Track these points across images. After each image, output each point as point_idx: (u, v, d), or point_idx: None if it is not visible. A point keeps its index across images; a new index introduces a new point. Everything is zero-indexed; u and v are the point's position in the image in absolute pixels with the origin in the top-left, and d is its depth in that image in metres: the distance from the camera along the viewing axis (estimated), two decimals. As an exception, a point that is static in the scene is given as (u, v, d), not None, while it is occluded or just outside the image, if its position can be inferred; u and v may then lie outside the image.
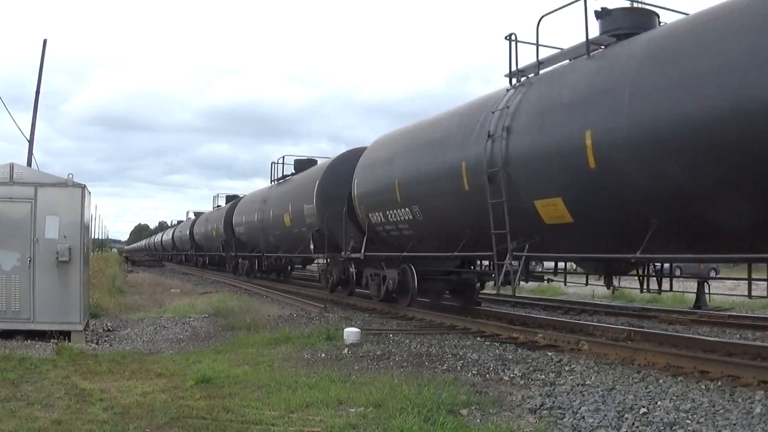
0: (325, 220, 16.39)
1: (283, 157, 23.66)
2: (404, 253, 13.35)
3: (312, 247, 17.62)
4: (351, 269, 16.23)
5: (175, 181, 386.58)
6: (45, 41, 19.43)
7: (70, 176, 10.64)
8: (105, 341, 10.71)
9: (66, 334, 10.10)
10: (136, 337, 11.26)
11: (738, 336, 10.65)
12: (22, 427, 5.30)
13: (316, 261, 21.21)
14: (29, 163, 17.81)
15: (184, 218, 55.32)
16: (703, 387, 6.41)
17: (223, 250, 31.34)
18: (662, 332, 10.38)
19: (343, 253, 15.63)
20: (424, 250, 12.97)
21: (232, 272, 30.86)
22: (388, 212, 13.46)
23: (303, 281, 26.56)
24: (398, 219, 13.17)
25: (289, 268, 27.36)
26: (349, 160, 16.58)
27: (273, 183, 23.92)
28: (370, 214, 14.27)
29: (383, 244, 14.36)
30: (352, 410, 5.73)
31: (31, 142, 18.76)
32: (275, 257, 23.84)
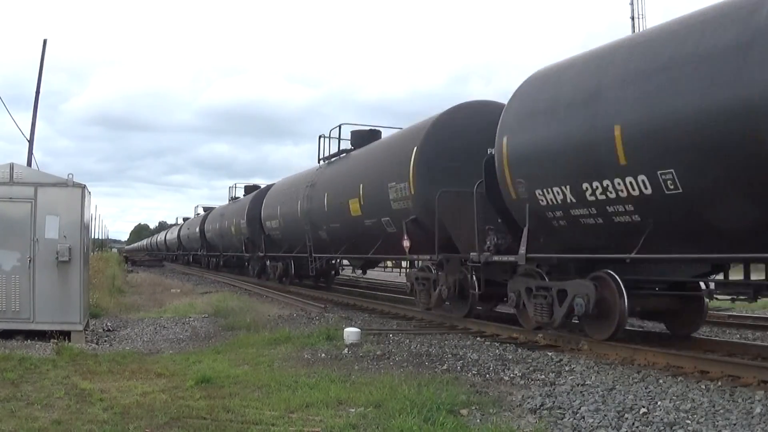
0: (433, 204, 11.36)
1: (340, 127, 18.05)
2: (633, 254, 7.72)
3: (407, 244, 12.47)
4: (472, 278, 10.88)
5: (175, 181, 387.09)
6: (45, 41, 19.51)
7: (70, 176, 10.65)
8: (105, 341, 10.72)
9: (66, 334, 10.10)
10: (136, 337, 11.26)
11: (738, 336, 10.64)
12: (22, 427, 5.30)
13: (383, 264, 16.37)
14: (29, 163, 17.85)
15: (191, 215, 50.70)
16: (703, 387, 6.40)
17: (246, 250, 26.36)
18: (662, 332, 10.37)
19: (475, 254, 10.39)
20: (656, 249, 7.81)
21: (257, 276, 25.74)
22: (586, 185, 8.13)
23: (348, 287, 21.96)
24: (612, 196, 7.84)
25: (333, 272, 22.02)
26: (475, 113, 12.01)
27: (322, 163, 18.74)
28: (539, 192, 8.94)
29: (557, 241, 9.26)
30: (352, 410, 5.73)
31: (31, 142, 18.79)
32: (329, 258, 18.44)
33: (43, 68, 19.39)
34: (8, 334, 9.99)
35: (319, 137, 18.72)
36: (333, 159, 18.26)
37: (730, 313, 13.27)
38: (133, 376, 7.54)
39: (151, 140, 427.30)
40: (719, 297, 8.68)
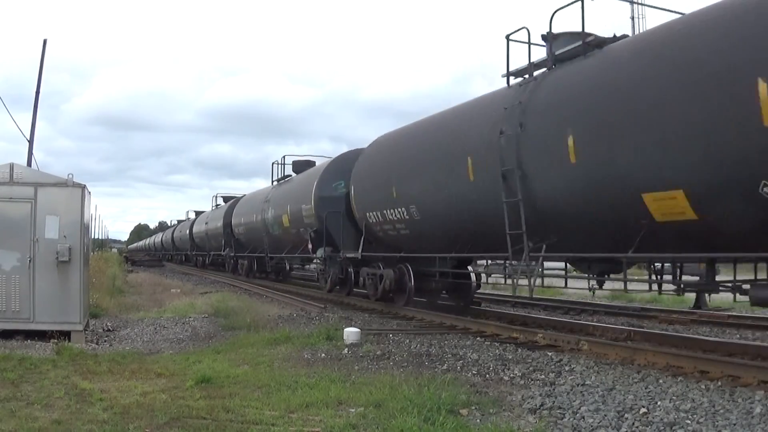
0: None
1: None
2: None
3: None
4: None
5: (176, 181, 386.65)
6: (45, 41, 19.49)
7: (70, 176, 10.65)
8: (105, 341, 10.71)
9: (66, 334, 10.10)
10: (136, 337, 11.26)
11: (738, 336, 10.64)
12: (22, 427, 5.30)
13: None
14: (29, 163, 17.83)
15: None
16: (703, 387, 6.41)
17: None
18: (662, 332, 10.38)
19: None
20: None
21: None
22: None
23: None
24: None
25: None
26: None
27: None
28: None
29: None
30: (352, 410, 5.73)
31: (30, 141, 18.77)
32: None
33: (43, 68, 19.38)
34: (8, 334, 9.98)
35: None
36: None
37: (730, 313, 13.27)
38: (133, 376, 7.54)
39: (152, 140, 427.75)
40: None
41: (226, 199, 35.84)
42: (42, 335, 10.01)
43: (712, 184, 6.82)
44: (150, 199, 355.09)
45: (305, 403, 5.97)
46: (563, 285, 11.54)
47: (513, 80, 10.41)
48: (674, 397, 5.94)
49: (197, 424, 5.37)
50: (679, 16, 8.03)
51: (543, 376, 7.12)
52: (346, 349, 9.05)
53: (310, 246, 17.75)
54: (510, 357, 8.31)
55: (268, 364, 8.15)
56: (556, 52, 9.40)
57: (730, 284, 7.67)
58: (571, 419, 5.42)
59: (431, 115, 13.21)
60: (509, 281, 10.71)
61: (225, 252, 30.84)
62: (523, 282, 9.76)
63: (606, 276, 9.46)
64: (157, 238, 70.27)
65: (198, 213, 44.00)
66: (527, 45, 10.03)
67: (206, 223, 36.32)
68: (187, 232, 42.82)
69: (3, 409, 5.92)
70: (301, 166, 22.29)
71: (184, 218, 54.69)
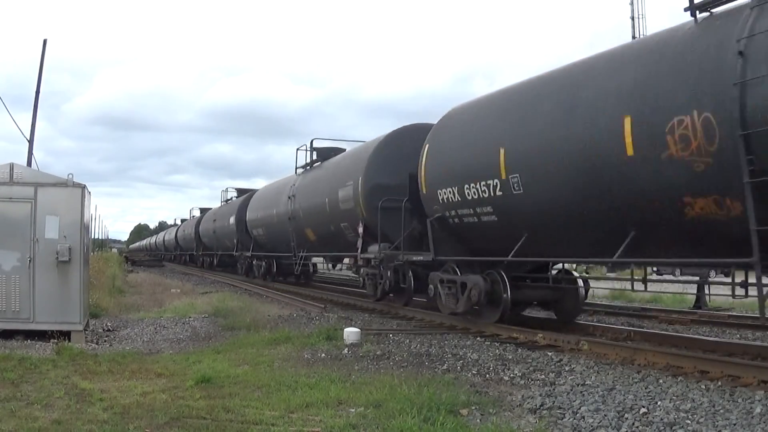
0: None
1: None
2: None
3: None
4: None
5: (177, 181, 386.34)
6: (45, 41, 19.53)
7: (70, 176, 10.65)
8: (105, 341, 10.72)
9: (66, 334, 10.10)
10: (136, 337, 11.26)
11: (738, 336, 10.64)
12: (22, 427, 5.30)
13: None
14: (29, 163, 17.85)
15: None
16: (703, 387, 6.41)
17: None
18: (662, 332, 10.38)
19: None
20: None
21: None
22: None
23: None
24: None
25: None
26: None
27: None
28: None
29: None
30: (352, 410, 5.73)
31: (30, 141, 18.80)
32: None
33: (43, 68, 19.42)
34: (8, 334, 9.99)
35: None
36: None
37: (730, 313, 13.27)
38: (133, 376, 7.54)
39: (153, 140, 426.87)
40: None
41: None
42: (42, 335, 10.01)
43: None
44: (150, 199, 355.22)
45: (305, 403, 5.97)
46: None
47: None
48: (674, 397, 5.95)
49: (197, 424, 5.37)
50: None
51: (543, 376, 7.12)
52: (346, 349, 9.06)
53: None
54: (510, 357, 8.32)
55: (268, 364, 8.15)
56: None
57: None
58: (571, 419, 5.42)
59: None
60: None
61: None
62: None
63: None
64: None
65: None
66: None
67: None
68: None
69: (3, 409, 5.92)
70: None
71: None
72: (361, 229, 14.40)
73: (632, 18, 31.92)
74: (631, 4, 32.01)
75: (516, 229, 9.66)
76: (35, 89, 19.41)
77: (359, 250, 14.55)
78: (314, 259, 22.50)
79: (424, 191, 11.64)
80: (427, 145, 11.74)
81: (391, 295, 14.17)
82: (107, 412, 5.84)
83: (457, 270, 11.18)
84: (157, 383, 7.10)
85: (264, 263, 24.87)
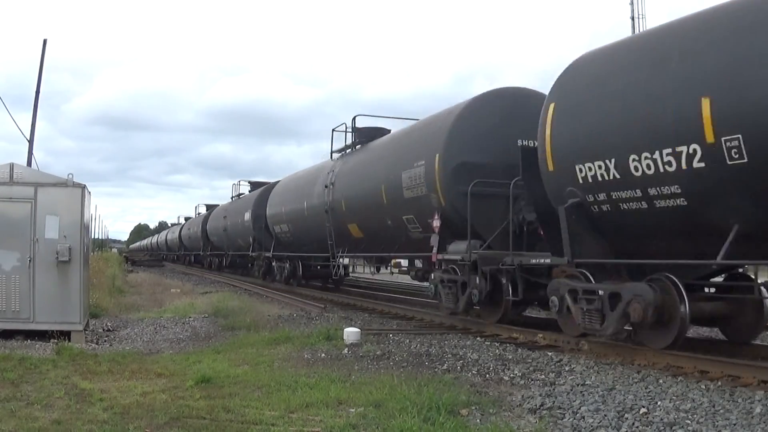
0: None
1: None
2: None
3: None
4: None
5: (177, 181, 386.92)
6: (45, 41, 19.52)
7: (70, 176, 10.65)
8: (105, 341, 10.72)
9: (66, 334, 10.10)
10: (136, 337, 11.26)
11: (738, 336, 10.63)
12: (22, 427, 5.30)
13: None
14: (29, 163, 17.85)
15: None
16: (703, 387, 6.40)
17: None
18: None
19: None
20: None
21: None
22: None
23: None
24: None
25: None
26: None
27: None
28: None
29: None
30: (352, 410, 5.73)
31: (30, 141, 18.80)
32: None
33: (42, 68, 19.42)
34: (8, 334, 9.99)
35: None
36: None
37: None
38: (133, 376, 7.54)
39: (153, 140, 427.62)
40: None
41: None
42: (42, 335, 10.01)
43: None
44: (150, 199, 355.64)
45: (305, 403, 5.97)
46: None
47: None
48: (674, 397, 5.94)
49: (197, 424, 5.37)
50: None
51: (543, 376, 7.12)
52: (346, 349, 9.05)
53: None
54: (510, 357, 8.31)
55: (268, 364, 8.15)
56: None
57: None
58: (571, 419, 5.42)
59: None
60: None
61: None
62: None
63: None
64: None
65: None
66: None
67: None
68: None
69: (3, 409, 5.92)
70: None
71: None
72: (437, 223, 11.34)
73: (632, 18, 31.98)
74: (631, 4, 32.08)
75: (720, 218, 6.78)
76: (35, 89, 19.44)
77: (435, 249, 11.46)
78: (346, 260, 18.05)
79: (551, 168, 8.52)
80: (552, 104, 8.56)
81: (476, 307, 10.93)
82: (107, 412, 5.84)
83: (591, 277, 8.30)
84: (157, 383, 7.10)
85: (287, 265, 21.17)
